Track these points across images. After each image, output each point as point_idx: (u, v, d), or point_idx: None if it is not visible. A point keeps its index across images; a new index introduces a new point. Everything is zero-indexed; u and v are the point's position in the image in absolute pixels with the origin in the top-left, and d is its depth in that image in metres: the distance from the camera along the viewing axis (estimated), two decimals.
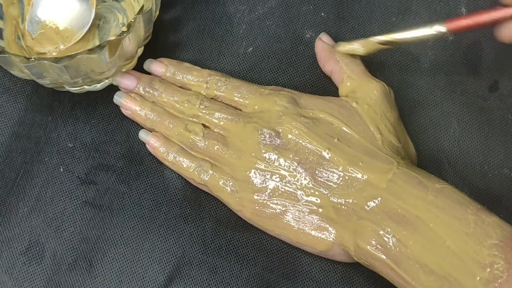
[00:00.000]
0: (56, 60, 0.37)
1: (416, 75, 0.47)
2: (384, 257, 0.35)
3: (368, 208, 0.37)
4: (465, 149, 0.45)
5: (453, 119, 0.46)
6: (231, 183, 0.40)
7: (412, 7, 0.49)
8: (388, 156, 0.39)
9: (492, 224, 0.34)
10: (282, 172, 0.40)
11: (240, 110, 0.43)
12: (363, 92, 0.42)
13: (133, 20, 0.38)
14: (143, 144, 0.43)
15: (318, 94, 0.43)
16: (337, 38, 0.47)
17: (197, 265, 0.41)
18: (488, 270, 0.32)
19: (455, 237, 0.34)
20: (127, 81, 0.43)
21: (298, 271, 0.41)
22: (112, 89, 0.44)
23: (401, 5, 0.49)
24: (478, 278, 0.33)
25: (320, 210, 0.39)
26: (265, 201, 0.40)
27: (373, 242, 0.36)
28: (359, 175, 0.38)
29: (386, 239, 0.35)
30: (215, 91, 0.43)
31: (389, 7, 0.49)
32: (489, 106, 0.47)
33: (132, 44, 0.40)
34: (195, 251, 0.41)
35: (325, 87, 0.46)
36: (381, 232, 0.36)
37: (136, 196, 0.42)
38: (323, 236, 0.39)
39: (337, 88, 0.45)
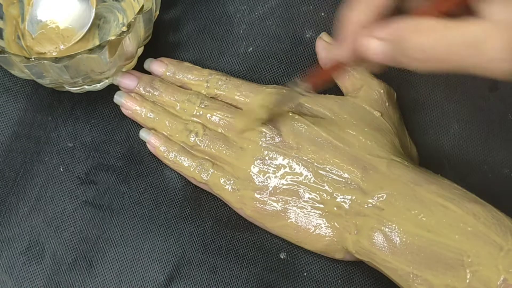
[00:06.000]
0: (56, 60, 0.37)
1: (416, 75, 0.47)
2: (387, 252, 0.35)
3: (370, 205, 0.37)
4: (465, 149, 0.45)
5: (453, 119, 0.46)
6: (232, 181, 0.40)
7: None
8: (391, 154, 0.39)
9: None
10: (283, 170, 0.40)
11: (241, 109, 0.43)
12: (365, 91, 0.42)
13: (133, 20, 0.38)
14: (143, 143, 0.43)
15: (319, 94, 0.43)
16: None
17: (197, 265, 0.41)
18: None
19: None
20: (127, 81, 0.43)
21: (298, 271, 0.41)
22: (112, 89, 0.44)
23: None
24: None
25: (322, 206, 0.39)
26: (266, 199, 0.40)
27: (376, 238, 0.36)
28: (361, 173, 0.38)
29: (389, 234, 0.36)
30: (215, 90, 0.43)
31: None
32: (489, 106, 0.47)
33: (132, 44, 0.40)
34: (195, 251, 0.41)
35: (325, 87, 0.46)
36: (384, 228, 0.36)
37: (136, 196, 0.42)
38: (324, 233, 0.39)
39: (337, 88, 0.45)
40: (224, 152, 0.41)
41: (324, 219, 0.39)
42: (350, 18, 0.32)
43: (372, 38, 0.31)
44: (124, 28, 0.38)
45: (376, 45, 0.31)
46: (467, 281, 0.33)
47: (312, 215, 0.39)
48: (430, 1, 0.31)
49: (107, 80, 0.43)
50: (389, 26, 0.30)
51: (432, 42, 0.29)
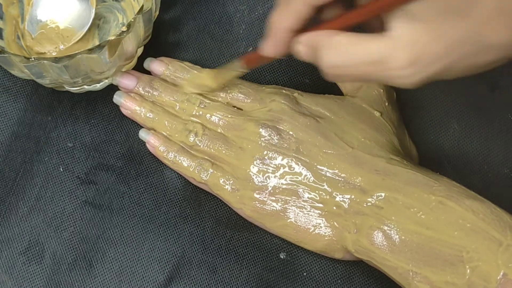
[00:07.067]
0: (56, 60, 0.37)
1: None
2: (387, 250, 0.35)
3: (369, 204, 0.37)
4: (465, 149, 0.45)
5: (453, 119, 0.46)
6: (232, 181, 0.40)
7: None
8: (390, 154, 0.39)
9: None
10: (283, 169, 0.40)
11: (240, 109, 0.43)
12: (365, 91, 0.42)
13: (133, 20, 0.38)
14: (143, 143, 0.43)
15: (319, 94, 0.43)
16: None
17: (197, 265, 0.41)
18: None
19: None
20: (127, 81, 0.43)
21: (298, 271, 0.41)
22: (112, 89, 0.44)
23: None
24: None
25: (321, 206, 0.39)
26: (265, 199, 0.40)
27: (375, 237, 0.36)
28: (361, 172, 0.38)
29: (389, 232, 0.36)
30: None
31: None
32: (489, 106, 0.47)
33: (132, 44, 0.40)
34: (195, 251, 0.41)
35: (325, 86, 0.46)
36: (383, 226, 0.36)
37: (136, 196, 0.42)
38: (324, 233, 0.39)
39: (337, 88, 0.45)
40: (224, 152, 0.41)
41: (323, 219, 0.39)
42: (276, 22, 0.34)
43: (297, 43, 0.34)
44: (124, 28, 0.38)
45: (301, 49, 0.34)
46: (467, 277, 0.33)
47: (311, 215, 0.39)
48: (342, 13, 0.33)
49: (106, 80, 0.43)
50: (307, 34, 0.33)
51: (340, 58, 0.31)
